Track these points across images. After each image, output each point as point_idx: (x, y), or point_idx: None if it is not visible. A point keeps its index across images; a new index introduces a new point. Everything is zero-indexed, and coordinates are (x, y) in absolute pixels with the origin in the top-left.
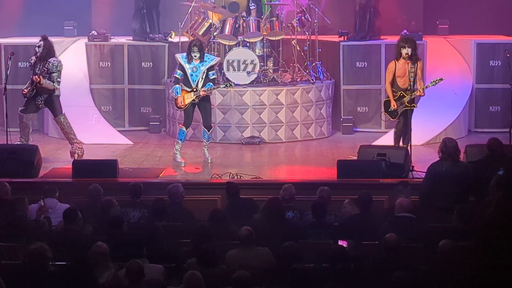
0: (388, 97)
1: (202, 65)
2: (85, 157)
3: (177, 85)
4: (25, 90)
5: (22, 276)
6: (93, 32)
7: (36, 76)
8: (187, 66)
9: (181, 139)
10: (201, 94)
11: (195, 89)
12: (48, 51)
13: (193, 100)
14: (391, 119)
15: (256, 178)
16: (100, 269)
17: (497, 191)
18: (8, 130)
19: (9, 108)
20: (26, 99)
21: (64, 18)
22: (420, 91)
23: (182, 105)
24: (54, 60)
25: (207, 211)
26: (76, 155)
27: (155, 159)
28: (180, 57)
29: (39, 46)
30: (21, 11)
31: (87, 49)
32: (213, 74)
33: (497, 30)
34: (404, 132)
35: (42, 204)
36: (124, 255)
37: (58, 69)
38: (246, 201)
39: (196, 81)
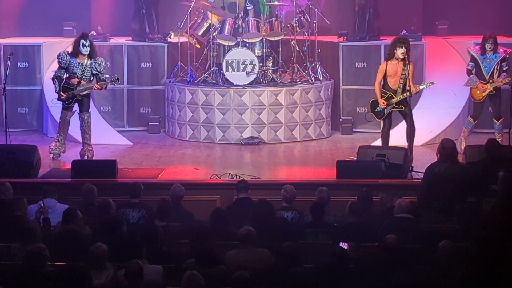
0: (376, 97)
1: (496, 56)
2: None
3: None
4: (63, 94)
5: (19, 276)
6: (92, 32)
7: (98, 85)
8: (480, 58)
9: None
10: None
11: (491, 81)
12: (94, 50)
13: (490, 91)
14: (377, 119)
15: (255, 178)
16: (99, 269)
17: (499, 192)
18: (7, 130)
19: (8, 108)
20: (64, 97)
21: (64, 18)
22: (416, 88)
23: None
24: (101, 60)
25: (206, 212)
26: (86, 156)
27: (154, 160)
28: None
29: (89, 46)
30: (21, 11)
31: None
32: (506, 66)
33: (497, 30)
34: (407, 131)
35: (42, 205)
36: (123, 255)
37: (105, 68)
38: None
39: (490, 72)
